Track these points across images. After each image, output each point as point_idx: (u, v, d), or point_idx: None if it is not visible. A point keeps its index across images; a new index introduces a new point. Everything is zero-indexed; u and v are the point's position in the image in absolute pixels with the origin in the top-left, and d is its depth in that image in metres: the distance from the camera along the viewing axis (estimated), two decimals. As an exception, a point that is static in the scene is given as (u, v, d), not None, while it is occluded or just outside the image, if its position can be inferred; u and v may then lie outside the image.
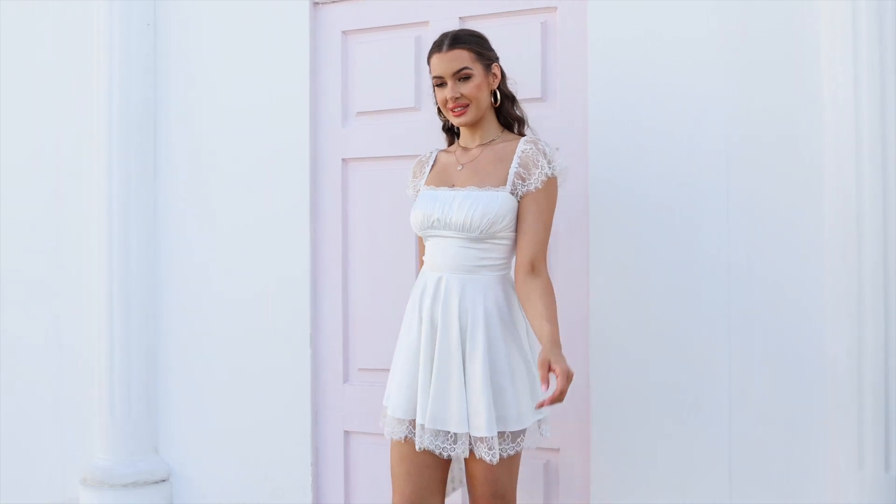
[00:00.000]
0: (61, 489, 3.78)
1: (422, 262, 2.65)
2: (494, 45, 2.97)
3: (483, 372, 2.40)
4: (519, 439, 2.45)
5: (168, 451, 3.61)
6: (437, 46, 2.55)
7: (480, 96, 2.53)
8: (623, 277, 2.85)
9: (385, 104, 3.24)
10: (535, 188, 2.47)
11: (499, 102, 2.59)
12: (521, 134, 2.63)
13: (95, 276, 3.58)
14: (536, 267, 2.46)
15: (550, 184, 2.49)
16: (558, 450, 2.99)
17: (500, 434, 2.42)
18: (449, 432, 2.44)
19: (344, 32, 3.31)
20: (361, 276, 3.27)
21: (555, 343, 2.32)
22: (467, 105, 2.52)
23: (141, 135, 3.55)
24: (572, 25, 2.95)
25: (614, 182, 2.87)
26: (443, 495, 2.57)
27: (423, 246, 2.63)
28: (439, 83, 2.54)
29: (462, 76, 2.50)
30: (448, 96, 2.52)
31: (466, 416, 2.41)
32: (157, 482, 3.55)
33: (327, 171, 3.33)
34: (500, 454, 2.41)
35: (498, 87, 2.59)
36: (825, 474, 2.58)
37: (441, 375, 2.45)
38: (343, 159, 3.31)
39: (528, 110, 3.01)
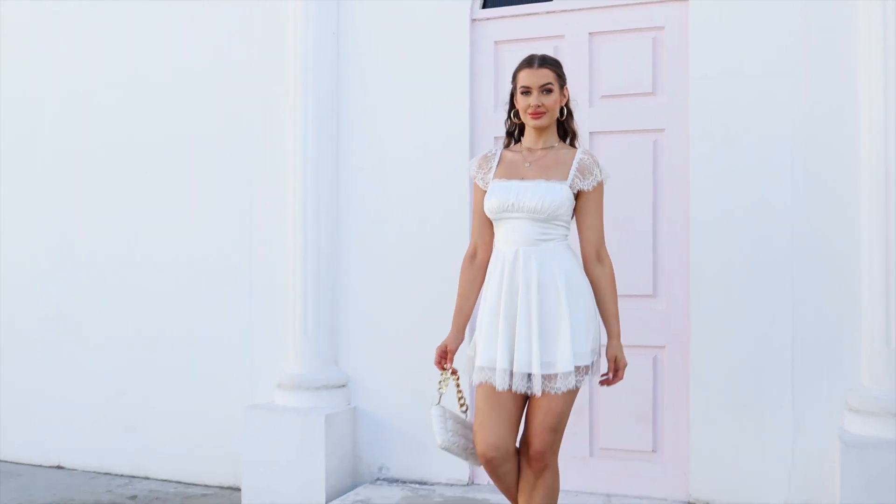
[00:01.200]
0: (251, 395, 4.79)
1: (476, 242, 3.24)
2: (615, 53, 4.06)
3: (566, 320, 2.99)
4: (586, 373, 3.06)
5: (346, 363, 4.65)
6: (528, 63, 3.17)
7: (555, 108, 3.15)
8: (716, 223, 3.99)
9: (528, 96, 4.34)
10: (591, 188, 3.11)
11: (565, 116, 3.21)
12: (573, 145, 3.25)
13: (290, 231, 4.61)
14: (601, 254, 3.14)
15: (601, 186, 3.14)
16: (664, 347, 4.12)
17: (575, 368, 3.01)
18: (528, 374, 3.00)
19: (496, 42, 4.42)
20: (509, 225, 4.36)
21: (618, 338, 3.12)
22: (544, 113, 3.13)
23: (328, 120, 4.60)
24: (676, 40, 4.10)
25: (709, 157, 4.01)
26: (517, 427, 3.12)
27: (476, 232, 3.24)
28: (525, 91, 3.13)
29: (546, 89, 3.12)
30: (532, 103, 3.11)
31: (539, 360, 2.97)
32: (338, 387, 4.60)
33: (482, 146, 4.41)
34: (570, 385, 2.98)
35: (565, 105, 3.21)
36: (860, 349, 3.75)
37: (522, 330, 3.01)
38: (494, 137, 4.39)
39: (640, 102, 4.16)
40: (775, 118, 3.92)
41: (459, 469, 4.41)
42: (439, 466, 4.44)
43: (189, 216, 4.98)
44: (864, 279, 3.75)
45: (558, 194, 3.07)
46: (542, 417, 3.04)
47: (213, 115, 4.93)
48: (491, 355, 3.05)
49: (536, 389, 2.99)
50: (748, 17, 3.95)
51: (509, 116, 3.28)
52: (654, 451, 4.15)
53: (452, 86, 4.45)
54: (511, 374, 3.02)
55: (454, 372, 3.22)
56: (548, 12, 4.33)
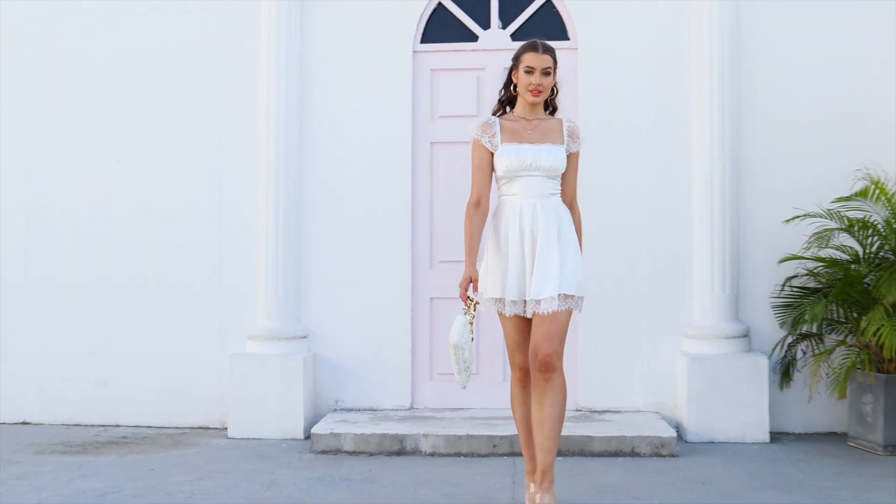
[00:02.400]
0: (221, 348, 5.77)
1: (480, 193, 3.85)
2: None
3: (563, 260, 3.75)
4: (579, 301, 3.80)
5: (306, 318, 5.78)
6: (534, 48, 3.84)
7: (549, 88, 3.87)
8: (599, 216, 5.60)
9: (456, 111, 5.73)
10: (575, 151, 3.89)
11: (556, 94, 3.96)
12: (552, 116, 3.96)
13: (261, 208, 5.67)
14: (573, 203, 3.95)
15: (579, 150, 3.92)
16: (559, 299, 5.68)
17: (569, 296, 3.75)
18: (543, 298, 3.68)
19: (431, 70, 5.77)
20: (441, 208, 5.71)
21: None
22: (542, 91, 3.84)
23: (294, 118, 5.72)
24: (568, 75, 5.66)
25: (592, 164, 5.61)
26: None
27: (480, 184, 3.84)
28: (528, 71, 3.81)
29: (546, 72, 3.84)
30: (534, 82, 3.81)
31: (561, 284, 3.71)
32: (302, 337, 5.72)
33: (420, 148, 5.74)
34: (563, 307, 3.71)
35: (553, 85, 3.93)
36: (693, 296, 5.54)
37: (540, 267, 3.72)
38: (431, 142, 5.75)
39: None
40: (637, 136, 5.62)
41: (401, 398, 5.72)
42: (384, 397, 5.73)
43: (163, 199, 5.87)
44: (695, 251, 5.55)
45: (562, 155, 3.84)
46: (546, 327, 3.70)
47: (186, 95, 5.87)
48: (521, 291, 3.77)
49: (565, 306, 3.72)
50: (622, 69, 5.64)
51: (508, 89, 3.94)
52: (551, 374, 5.70)
53: (397, 100, 5.73)
54: (523, 303, 3.78)
55: (475, 302, 3.83)
56: (473, 50, 5.76)
